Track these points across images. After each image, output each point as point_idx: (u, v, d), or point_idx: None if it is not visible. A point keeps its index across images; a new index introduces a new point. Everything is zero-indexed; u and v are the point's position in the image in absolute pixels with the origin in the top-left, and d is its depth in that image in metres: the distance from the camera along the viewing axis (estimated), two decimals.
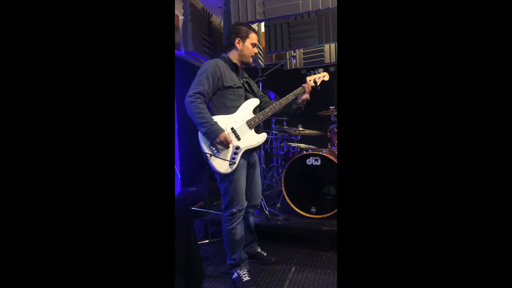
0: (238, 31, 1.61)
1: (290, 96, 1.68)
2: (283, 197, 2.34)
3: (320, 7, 2.04)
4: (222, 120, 1.53)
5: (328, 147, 2.63)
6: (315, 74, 1.78)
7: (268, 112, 1.61)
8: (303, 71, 3.74)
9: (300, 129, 2.76)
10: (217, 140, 1.46)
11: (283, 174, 2.33)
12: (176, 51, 2.84)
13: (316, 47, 3.23)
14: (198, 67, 3.55)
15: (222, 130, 1.47)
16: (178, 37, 2.79)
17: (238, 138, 1.54)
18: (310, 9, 2.07)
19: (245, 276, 1.61)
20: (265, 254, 1.92)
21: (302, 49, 3.36)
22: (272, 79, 2.72)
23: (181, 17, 2.76)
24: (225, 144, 1.47)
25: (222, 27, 2.85)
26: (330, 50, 3.31)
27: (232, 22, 2.29)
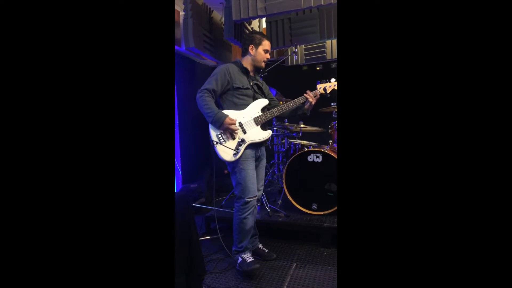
0: (252, 38, 1.75)
1: (298, 100, 1.77)
2: (284, 193, 2.34)
3: (322, 3, 2.02)
4: (232, 115, 1.66)
5: (329, 144, 2.63)
6: (326, 82, 1.80)
7: (275, 112, 1.74)
8: (305, 68, 3.72)
9: (302, 125, 2.75)
10: (223, 126, 1.61)
11: (284, 171, 2.33)
12: (177, 47, 2.82)
13: (318, 43, 3.21)
14: (199, 64, 3.55)
15: (226, 116, 1.62)
16: (179, 33, 2.77)
17: (244, 132, 1.68)
18: (312, 4, 2.05)
19: (249, 258, 1.72)
20: (266, 250, 1.93)
21: (303, 45, 3.34)
22: (274, 75, 2.71)
23: (181, 13, 2.75)
24: (231, 127, 1.61)
25: (223, 23, 2.83)
26: (332, 46, 3.29)
27: (234, 18, 2.28)
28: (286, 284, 1.60)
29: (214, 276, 1.71)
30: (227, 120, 1.60)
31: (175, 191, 2.95)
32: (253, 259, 1.71)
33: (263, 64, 1.77)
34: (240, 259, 1.72)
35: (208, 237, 2.25)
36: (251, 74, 1.79)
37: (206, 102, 1.61)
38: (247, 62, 1.77)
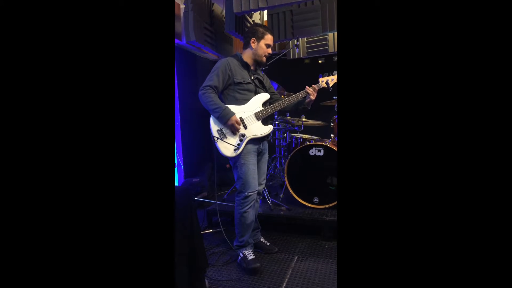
0: (254, 31, 1.71)
1: (300, 94, 1.75)
2: (286, 187, 2.35)
3: None
4: (233, 110, 1.65)
5: (331, 138, 2.62)
6: (329, 75, 1.76)
7: (277, 106, 1.73)
8: (307, 61, 3.68)
9: (303, 119, 2.74)
10: (229, 122, 1.60)
11: (286, 165, 2.33)
12: (177, 41, 2.80)
13: (320, 36, 3.17)
14: (200, 57, 3.53)
15: (233, 114, 1.62)
16: (180, 26, 2.75)
17: (245, 127, 1.67)
18: None
19: (250, 255, 1.71)
20: (268, 243, 1.94)
21: (305, 38, 3.30)
22: (275, 69, 2.69)
23: (182, 6, 2.72)
24: (236, 126, 1.61)
25: (224, 16, 2.80)
26: (334, 39, 3.25)
27: (235, 10, 2.25)
28: (288, 277, 1.61)
29: (216, 269, 1.72)
30: (233, 117, 1.60)
31: (177, 185, 2.97)
32: (253, 256, 1.71)
33: (264, 59, 1.74)
34: (241, 255, 1.73)
35: (210, 230, 2.26)
36: (252, 68, 1.76)
37: (210, 98, 1.60)
38: (247, 56, 1.74)
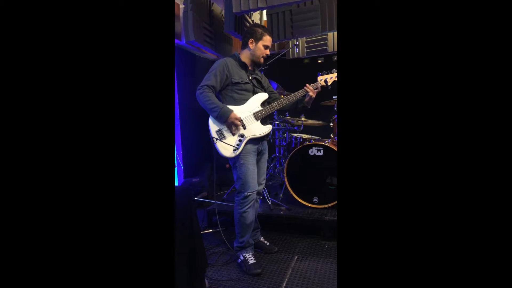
0: (253, 32, 1.70)
1: (299, 93, 1.74)
2: (286, 187, 2.35)
3: None
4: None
5: (330, 137, 2.62)
6: (327, 73, 1.76)
7: (275, 106, 1.72)
8: (306, 61, 3.68)
9: (303, 119, 2.74)
10: (229, 120, 1.60)
11: (285, 165, 2.33)
12: (177, 41, 2.80)
13: (319, 36, 3.17)
14: (200, 57, 3.53)
15: (231, 111, 1.61)
16: (179, 26, 2.74)
17: (244, 127, 1.67)
18: None
19: (251, 259, 1.70)
20: (267, 243, 1.94)
21: (305, 38, 3.30)
22: (274, 68, 2.69)
23: (181, 6, 2.72)
24: (236, 122, 1.61)
25: (224, 15, 2.80)
26: (333, 38, 3.25)
27: (234, 10, 2.25)
28: (288, 276, 1.61)
29: (216, 269, 1.72)
30: (232, 115, 1.60)
31: (177, 185, 2.97)
32: (254, 261, 1.69)
33: (261, 60, 1.72)
34: (241, 258, 1.72)
35: (210, 230, 2.26)
36: (250, 68, 1.75)
37: (208, 97, 1.59)
38: (245, 56, 1.73)
